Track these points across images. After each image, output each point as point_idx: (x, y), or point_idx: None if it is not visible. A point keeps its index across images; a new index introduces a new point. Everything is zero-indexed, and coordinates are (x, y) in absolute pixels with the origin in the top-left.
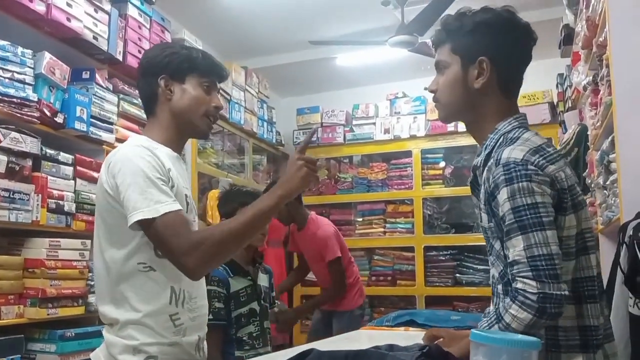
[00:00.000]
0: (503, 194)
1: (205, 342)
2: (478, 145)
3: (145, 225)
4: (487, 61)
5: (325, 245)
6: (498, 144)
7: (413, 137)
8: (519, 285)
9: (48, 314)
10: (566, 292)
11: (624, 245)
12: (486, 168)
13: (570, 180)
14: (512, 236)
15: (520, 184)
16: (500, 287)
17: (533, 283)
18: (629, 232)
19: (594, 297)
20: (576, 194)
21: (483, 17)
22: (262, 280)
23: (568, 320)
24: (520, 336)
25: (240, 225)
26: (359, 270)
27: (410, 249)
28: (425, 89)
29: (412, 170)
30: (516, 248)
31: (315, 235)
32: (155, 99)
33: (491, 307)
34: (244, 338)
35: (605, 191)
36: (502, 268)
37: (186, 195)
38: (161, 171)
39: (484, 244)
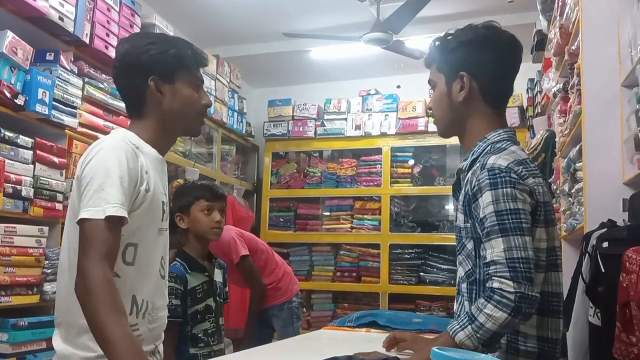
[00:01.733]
0: (487, 197)
1: (161, 346)
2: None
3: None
4: (467, 75)
5: (228, 249)
6: (485, 151)
7: (384, 135)
8: (496, 285)
9: (1, 302)
10: (538, 296)
11: (587, 255)
12: (471, 171)
13: (546, 196)
14: (492, 237)
15: (504, 189)
16: (465, 285)
17: (510, 283)
18: (592, 241)
19: (557, 312)
20: (550, 211)
21: (462, 36)
22: (217, 275)
23: (529, 329)
24: (480, 355)
25: (108, 334)
26: (324, 264)
27: (376, 246)
28: (398, 87)
29: (381, 167)
30: (495, 249)
31: (219, 245)
32: (143, 100)
33: (455, 306)
34: (199, 335)
35: (570, 199)
36: (469, 267)
37: (163, 202)
38: (133, 175)
39: (449, 244)
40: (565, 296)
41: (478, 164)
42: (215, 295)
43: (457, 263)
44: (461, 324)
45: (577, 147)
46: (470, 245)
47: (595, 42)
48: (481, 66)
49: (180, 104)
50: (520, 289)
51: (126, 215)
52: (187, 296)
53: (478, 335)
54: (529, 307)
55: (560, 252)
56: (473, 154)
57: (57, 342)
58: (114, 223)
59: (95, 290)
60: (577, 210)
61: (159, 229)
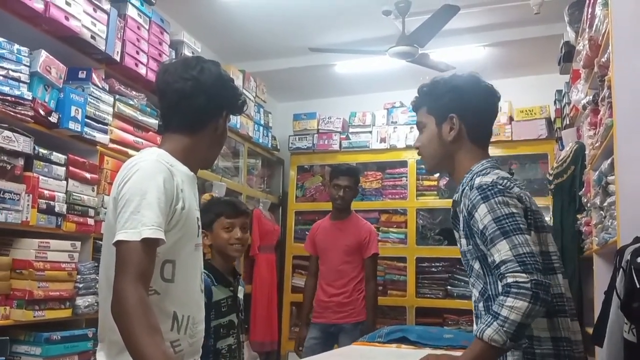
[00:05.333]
0: (482, 210)
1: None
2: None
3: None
4: (456, 117)
5: (371, 238)
6: (472, 180)
7: (409, 147)
8: (510, 280)
9: (34, 316)
10: (550, 282)
11: (621, 270)
12: (462, 195)
13: (534, 206)
14: (496, 242)
15: (495, 198)
16: (481, 304)
17: (523, 274)
18: (626, 256)
19: (564, 311)
20: (539, 220)
21: (451, 82)
22: (240, 292)
23: (542, 332)
24: None
25: (143, 354)
26: None
27: (403, 259)
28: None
29: (407, 180)
30: (501, 251)
31: (360, 227)
32: (203, 124)
33: (474, 327)
34: (223, 350)
35: (601, 212)
36: (482, 286)
37: (197, 218)
38: (169, 195)
39: (461, 256)
40: (599, 311)
41: (467, 187)
42: (239, 311)
43: (470, 286)
44: (487, 322)
45: (609, 160)
46: (477, 265)
47: (626, 55)
48: (468, 109)
49: (221, 141)
50: (534, 277)
51: (163, 237)
52: (210, 308)
53: (505, 328)
54: (545, 293)
55: (556, 256)
56: (462, 185)
57: (101, 357)
58: (150, 245)
59: (130, 311)
60: (609, 224)
61: (195, 244)
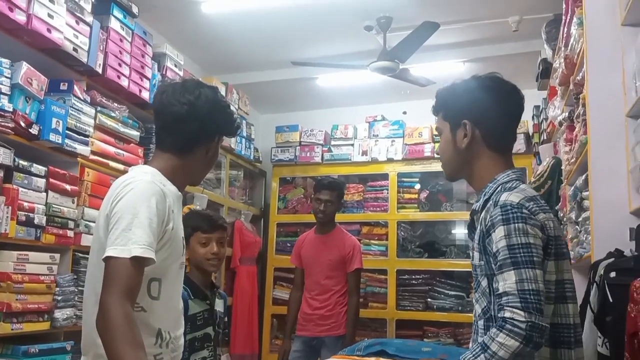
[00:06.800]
0: (500, 232)
1: None
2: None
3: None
4: (469, 123)
5: (354, 252)
6: (496, 191)
7: (390, 160)
8: (507, 315)
9: (12, 329)
10: (548, 326)
11: (595, 284)
12: (484, 210)
13: (557, 231)
14: (504, 270)
15: (516, 224)
16: (481, 322)
17: (522, 313)
18: (600, 271)
19: (569, 343)
20: (561, 245)
21: (466, 86)
22: (218, 305)
23: None
24: None
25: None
26: None
27: (383, 272)
28: (404, 113)
29: (388, 193)
30: (507, 281)
31: (344, 241)
32: (193, 146)
33: (471, 344)
34: None
35: (577, 226)
36: (485, 304)
37: (182, 238)
38: (161, 215)
39: (457, 269)
40: None
41: (491, 202)
42: (215, 324)
43: (474, 300)
44: (474, 352)
45: (584, 176)
46: (484, 282)
47: (600, 73)
48: (483, 114)
49: (211, 162)
50: (531, 319)
51: (153, 257)
52: (186, 322)
53: None
54: (539, 337)
55: (570, 284)
56: (485, 194)
57: None
58: (139, 263)
59: (114, 326)
60: (584, 238)
61: (180, 263)
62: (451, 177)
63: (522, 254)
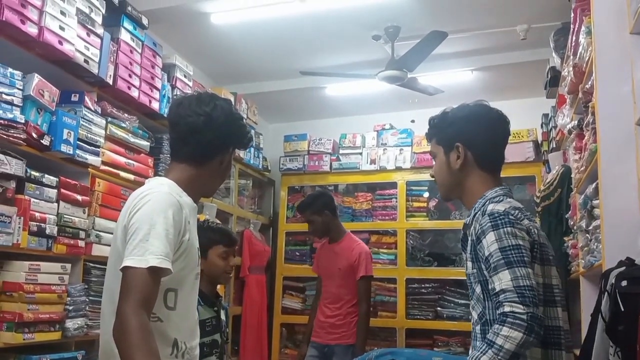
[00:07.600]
0: (490, 237)
1: None
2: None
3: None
4: (462, 146)
5: (361, 259)
6: (484, 205)
7: (399, 169)
8: (507, 309)
9: (24, 339)
10: (544, 317)
11: (606, 293)
12: (474, 219)
13: (542, 238)
14: (499, 271)
15: (505, 228)
16: (478, 327)
17: (521, 306)
18: (611, 280)
19: (559, 344)
20: (547, 252)
21: (457, 113)
22: (222, 314)
23: None
24: None
25: None
26: None
27: (393, 281)
28: (413, 121)
29: (396, 201)
30: (502, 280)
31: (352, 249)
32: (210, 157)
33: (471, 351)
34: None
35: (587, 235)
36: (481, 310)
37: (197, 248)
38: (177, 226)
39: (466, 278)
40: (585, 334)
41: (479, 212)
42: (222, 332)
43: (470, 308)
44: (481, 350)
45: (594, 184)
46: (478, 289)
47: (609, 82)
48: (474, 138)
49: (224, 173)
50: (530, 310)
51: (169, 267)
52: None
53: (499, 357)
54: (539, 327)
55: (558, 290)
56: (475, 209)
57: None
58: (156, 273)
59: (131, 335)
60: (595, 247)
61: (195, 273)
62: (446, 197)
63: (513, 255)
